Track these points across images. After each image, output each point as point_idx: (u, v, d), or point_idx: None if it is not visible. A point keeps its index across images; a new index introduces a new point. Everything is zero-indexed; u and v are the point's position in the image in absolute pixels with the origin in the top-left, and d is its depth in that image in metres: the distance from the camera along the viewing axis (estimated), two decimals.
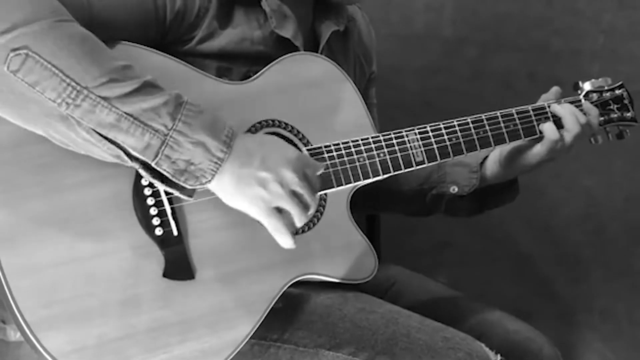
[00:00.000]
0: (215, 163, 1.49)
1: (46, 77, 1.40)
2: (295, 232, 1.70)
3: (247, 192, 1.52)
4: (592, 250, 3.01)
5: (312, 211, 1.59)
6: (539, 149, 1.94)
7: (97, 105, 1.42)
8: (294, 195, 1.55)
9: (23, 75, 1.40)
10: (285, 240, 1.56)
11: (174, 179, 1.48)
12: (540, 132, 1.94)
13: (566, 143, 1.93)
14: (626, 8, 2.91)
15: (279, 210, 1.55)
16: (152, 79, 1.48)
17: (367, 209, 2.25)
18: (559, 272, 3.03)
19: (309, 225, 1.76)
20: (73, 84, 1.41)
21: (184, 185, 1.49)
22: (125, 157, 1.46)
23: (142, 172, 1.48)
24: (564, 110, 1.94)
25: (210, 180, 1.49)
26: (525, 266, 3.02)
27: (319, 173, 1.63)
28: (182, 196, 1.52)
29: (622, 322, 3.02)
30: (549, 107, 1.95)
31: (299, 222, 1.56)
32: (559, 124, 1.93)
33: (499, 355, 1.70)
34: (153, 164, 1.46)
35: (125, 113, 1.43)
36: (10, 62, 1.39)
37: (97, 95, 1.42)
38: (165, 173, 1.47)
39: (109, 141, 1.44)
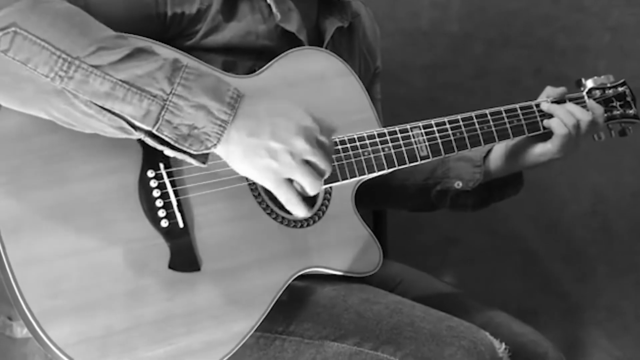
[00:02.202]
0: (220, 126, 1.46)
1: (36, 52, 1.40)
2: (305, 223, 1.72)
3: (256, 163, 1.49)
4: (598, 247, 3.01)
5: (327, 176, 1.55)
6: (549, 147, 1.95)
7: (89, 74, 1.41)
8: (307, 164, 1.52)
9: (14, 54, 1.40)
10: (297, 210, 1.54)
11: (177, 145, 1.45)
12: (544, 128, 1.94)
13: (571, 133, 1.93)
14: (633, 5, 2.91)
15: (291, 180, 1.54)
16: (145, 46, 1.46)
17: (371, 204, 2.25)
18: (565, 269, 3.03)
19: (314, 218, 1.76)
20: (64, 55, 1.40)
21: (188, 150, 1.46)
22: (129, 127, 1.44)
23: (148, 140, 1.46)
24: (554, 107, 1.94)
25: (216, 144, 1.46)
26: (532, 263, 3.02)
27: (333, 137, 1.60)
28: (194, 162, 1.48)
29: (629, 319, 3.02)
30: (536, 106, 1.96)
31: (311, 192, 1.53)
32: None
33: (503, 344, 1.70)
34: (154, 131, 1.44)
35: (119, 80, 1.41)
36: (0, 42, 1.40)
37: (89, 65, 1.41)
38: (167, 139, 1.45)
39: (108, 112, 1.43)
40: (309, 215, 1.57)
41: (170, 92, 1.43)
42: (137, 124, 1.44)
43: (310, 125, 1.52)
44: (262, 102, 1.53)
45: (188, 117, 1.44)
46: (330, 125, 1.57)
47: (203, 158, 1.50)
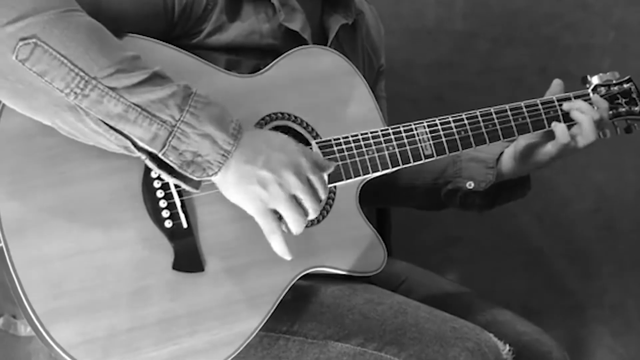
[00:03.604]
0: (223, 155, 1.49)
1: (54, 67, 1.41)
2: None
3: (246, 189, 1.53)
4: (602, 245, 3.01)
5: (311, 217, 1.58)
6: (549, 149, 1.94)
7: (105, 95, 1.42)
8: (294, 199, 1.55)
9: (31, 65, 1.40)
10: (276, 244, 1.57)
11: (180, 170, 1.48)
12: (549, 126, 1.94)
13: (578, 146, 1.92)
14: (636, 3, 2.91)
15: (277, 214, 1.56)
16: (160, 70, 1.48)
17: (379, 202, 2.25)
18: (568, 267, 3.03)
19: (319, 218, 1.76)
20: (81, 74, 1.41)
21: (190, 176, 1.49)
22: (133, 148, 1.46)
23: (148, 163, 1.49)
24: (583, 116, 1.93)
25: (216, 173, 1.50)
26: (536, 261, 3.02)
27: (327, 172, 1.63)
28: (188, 188, 1.52)
29: (632, 317, 3.02)
30: (560, 105, 1.95)
31: (294, 228, 1.56)
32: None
33: (507, 346, 1.70)
34: (160, 155, 1.47)
35: (133, 104, 1.43)
36: (19, 51, 1.40)
37: (105, 86, 1.42)
38: (172, 164, 1.48)
39: (116, 132, 1.45)
40: (288, 258, 1.57)
41: (179, 119, 1.46)
42: (144, 146, 1.47)
43: (303, 162, 1.56)
44: (262, 134, 1.60)
45: (194, 144, 1.47)
46: (324, 162, 1.62)
47: (197, 184, 1.53)
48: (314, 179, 1.57)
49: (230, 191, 1.55)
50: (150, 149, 1.47)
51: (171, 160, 1.47)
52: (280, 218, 1.57)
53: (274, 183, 1.52)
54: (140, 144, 1.46)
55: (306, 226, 1.70)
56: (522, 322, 1.95)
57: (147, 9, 1.66)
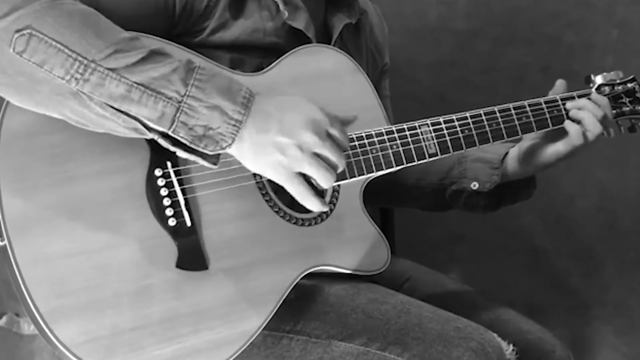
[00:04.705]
0: (234, 126, 1.47)
1: (52, 55, 1.40)
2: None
3: (266, 160, 1.50)
4: (605, 243, 3.00)
5: (340, 170, 1.55)
6: (559, 148, 1.94)
7: (105, 77, 1.41)
8: (316, 157, 1.52)
9: (29, 56, 1.40)
10: (311, 204, 1.54)
11: (192, 146, 1.46)
12: (553, 125, 1.93)
13: (588, 142, 1.92)
14: (639, 2, 2.90)
15: (304, 175, 1.54)
16: (159, 48, 1.47)
17: (384, 202, 2.25)
18: (572, 265, 3.02)
19: (322, 217, 1.76)
20: (80, 58, 1.41)
21: (204, 151, 1.47)
22: (143, 129, 1.45)
23: (162, 142, 1.47)
24: (584, 114, 1.92)
25: (230, 144, 1.48)
26: (539, 260, 3.02)
27: (349, 124, 1.61)
28: (206, 164, 1.50)
29: (636, 316, 3.01)
30: (563, 105, 1.95)
31: (324, 184, 1.53)
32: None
33: (511, 346, 1.70)
34: (170, 133, 1.45)
35: (135, 83, 1.42)
36: (16, 44, 1.40)
37: (105, 67, 1.41)
38: (183, 140, 1.46)
39: (123, 114, 1.44)
40: (325, 209, 1.56)
41: (185, 94, 1.44)
42: (153, 125, 1.45)
43: (320, 118, 1.53)
44: (274, 99, 1.54)
45: (203, 118, 1.45)
46: (345, 117, 1.60)
47: (215, 159, 1.51)
48: (333, 131, 1.54)
49: (250, 162, 1.52)
50: (159, 128, 1.45)
51: (181, 136, 1.45)
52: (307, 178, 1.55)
53: (292, 147, 1.49)
54: (149, 124, 1.45)
55: (309, 225, 1.71)
56: (526, 321, 1.95)
57: (148, 7, 1.66)
